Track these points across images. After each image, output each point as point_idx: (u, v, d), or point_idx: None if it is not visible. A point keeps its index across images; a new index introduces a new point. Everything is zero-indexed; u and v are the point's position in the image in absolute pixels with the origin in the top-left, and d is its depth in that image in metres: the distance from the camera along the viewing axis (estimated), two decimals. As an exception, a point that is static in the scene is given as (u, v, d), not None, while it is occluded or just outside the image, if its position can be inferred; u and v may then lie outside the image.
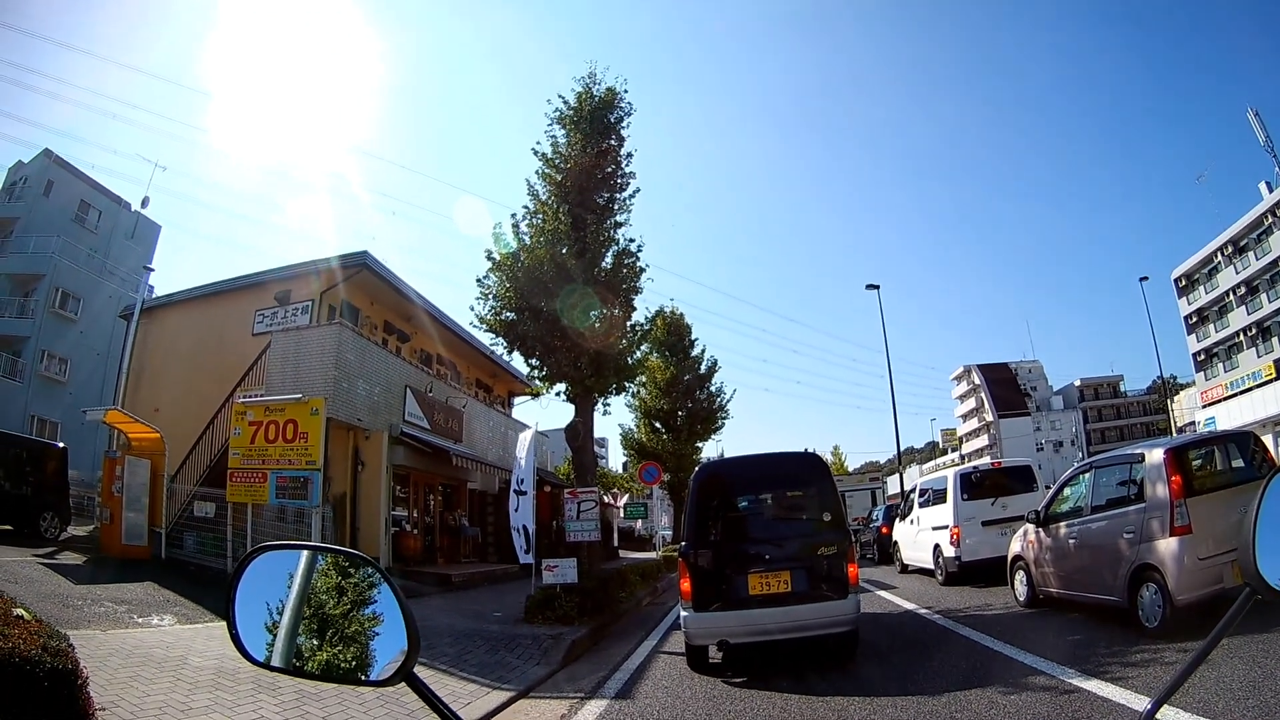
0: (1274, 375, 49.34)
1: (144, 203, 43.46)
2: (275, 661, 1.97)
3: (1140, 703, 5.31)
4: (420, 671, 6.22)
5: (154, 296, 26.11)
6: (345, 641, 1.96)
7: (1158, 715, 1.79)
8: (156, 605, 12.12)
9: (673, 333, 33.17)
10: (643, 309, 17.30)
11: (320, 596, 2.02)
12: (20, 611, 4.94)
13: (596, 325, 15.55)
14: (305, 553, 2.09)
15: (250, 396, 17.71)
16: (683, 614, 8.39)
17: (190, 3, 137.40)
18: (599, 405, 16.66)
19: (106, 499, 17.74)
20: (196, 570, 16.12)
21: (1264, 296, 53.16)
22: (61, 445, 21.91)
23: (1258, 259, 53.37)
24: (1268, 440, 39.11)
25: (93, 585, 13.07)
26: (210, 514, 17.34)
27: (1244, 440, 9.58)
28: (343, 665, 1.94)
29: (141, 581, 13.98)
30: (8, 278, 37.52)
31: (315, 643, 1.98)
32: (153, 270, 29.25)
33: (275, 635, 1.98)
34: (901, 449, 44.68)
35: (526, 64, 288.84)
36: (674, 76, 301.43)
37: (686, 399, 33.69)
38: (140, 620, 10.90)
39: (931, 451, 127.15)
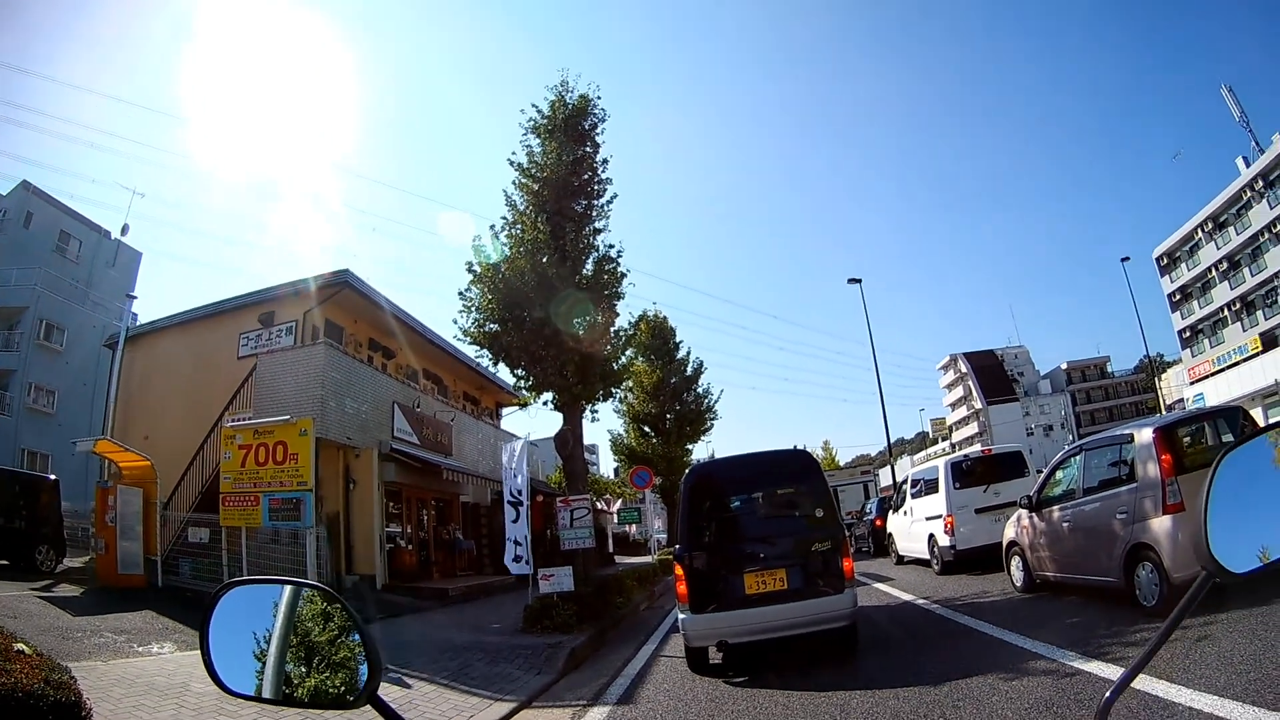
0: (1260, 349, 49.54)
1: (124, 230, 43.38)
2: (265, 692, 1.99)
3: (1142, 682, 5.29)
4: (423, 686, 6.25)
5: (138, 324, 25.92)
6: (333, 668, 1.98)
7: (1126, 692, 1.80)
8: (156, 633, 12.06)
9: (657, 336, 33.28)
10: (626, 314, 17.33)
11: (306, 624, 2.05)
12: (21, 646, 4.95)
13: (581, 333, 15.57)
14: (288, 586, 2.13)
15: (238, 420, 17.66)
16: (680, 617, 8.40)
17: (163, 27, 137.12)
18: (587, 412, 16.63)
19: (100, 529, 17.58)
20: (194, 596, 15.97)
21: (1246, 271, 53.52)
22: (53, 478, 21.80)
23: (1238, 234, 53.76)
24: (1257, 414, 39.40)
25: (91, 616, 13.00)
26: (205, 539, 17.26)
27: (1233, 415, 9.65)
28: (331, 691, 1.96)
29: (140, 610, 13.88)
30: (-9, 311, 37.29)
31: (304, 670, 2.00)
32: (135, 298, 29.05)
33: (263, 664, 2.01)
34: (891, 441, 44.72)
35: (503, 73, 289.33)
36: (649, 76, 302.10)
37: (674, 402, 33.75)
38: (140, 649, 10.86)
39: (922, 442, 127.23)
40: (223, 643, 2.04)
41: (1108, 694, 1.81)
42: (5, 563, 17.98)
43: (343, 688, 1.95)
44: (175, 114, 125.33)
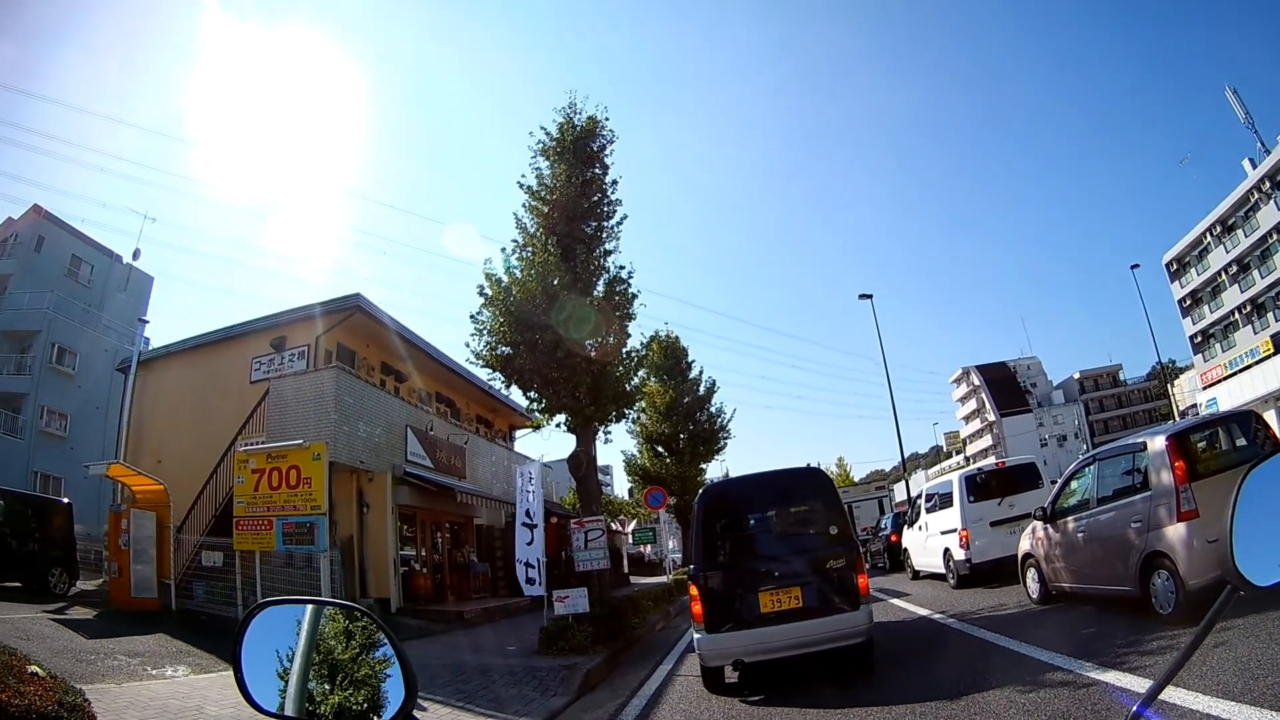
0: (1272, 351, 49.22)
1: (135, 255, 43.61)
2: (288, 710, 2.03)
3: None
4: (438, 709, 6.27)
5: (150, 348, 26.08)
6: (356, 685, 2.02)
7: (1156, 701, 1.83)
8: (170, 656, 12.13)
9: (669, 356, 33.42)
10: (638, 334, 17.36)
11: (329, 642, 2.09)
12: (35, 668, 4.94)
13: (593, 354, 15.60)
14: (310, 605, 2.18)
15: (251, 444, 17.67)
16: (696, 636, 8.40)
17: (171, 52, 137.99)
18: (600, 434, 16.64)
19: (114, 553, 17.60)
20: (208, 620, 16.06)
21: (1256, 273, 53.24)
22: (66, 500, 21.85)
23: (1247, 236, 53.50)
24: (1270, 416, 39.22)
25: (105, 639, 13.05)
26: (218, 563, 17.29)
27: (1245, 419, 9.63)
28: (354, 708, 2.00)
29: (153, 633, 13.99)
30: (3, 335, 37.50)
31: (326, 688, 2.04)
32: (147, 322, 29.28)
33: (286, 683, 2.05)
34: (905, 455, 44.60)
35: (512, 93, 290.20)
36: (657, 93, 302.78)
37: (687, 421, 33.83)
38: (154, 672, 10.92)
39: (936, 455, 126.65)
40: (252, 661, 2.08)
41: (1135, 707, 1.82)
42: (18, 585, 18.04)
43: (365, 705, 1.99)
44: (186, 139, 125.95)
